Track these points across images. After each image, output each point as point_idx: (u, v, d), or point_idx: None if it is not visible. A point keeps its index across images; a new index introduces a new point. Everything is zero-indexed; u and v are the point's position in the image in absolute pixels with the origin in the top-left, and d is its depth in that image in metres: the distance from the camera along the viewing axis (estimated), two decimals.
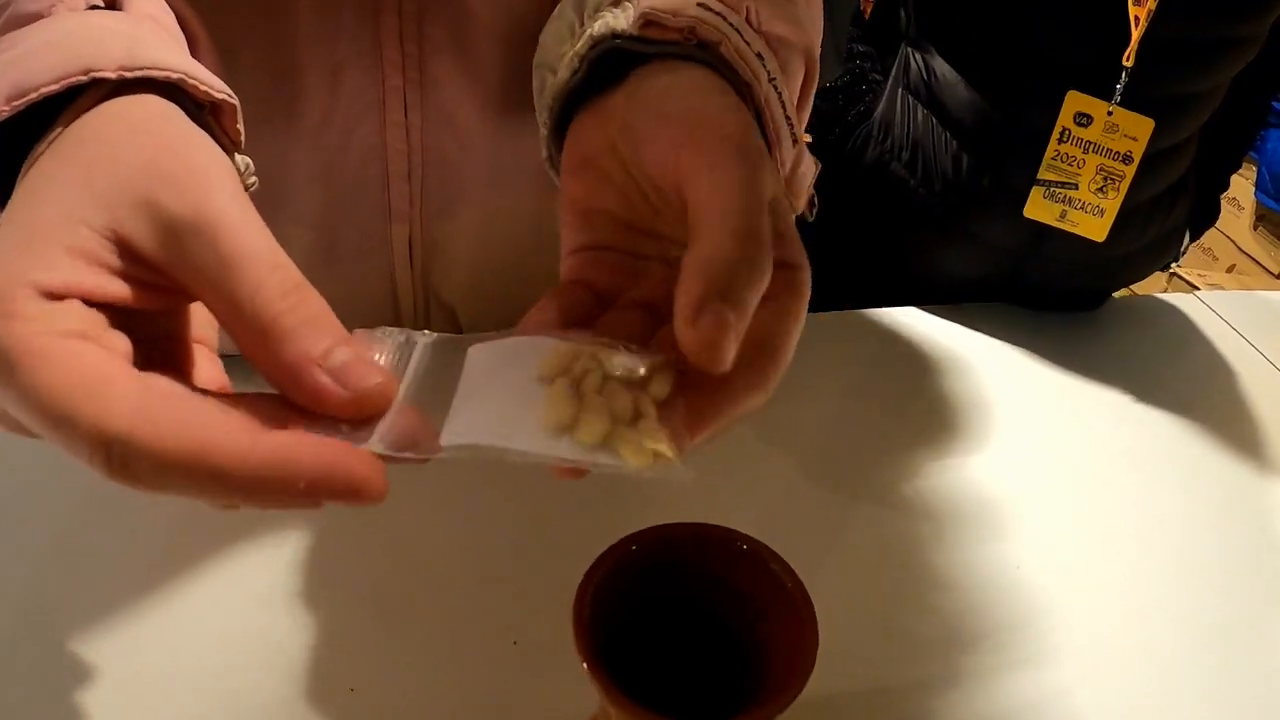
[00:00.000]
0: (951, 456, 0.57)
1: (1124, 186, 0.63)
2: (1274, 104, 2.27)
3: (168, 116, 0.24)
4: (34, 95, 0.23)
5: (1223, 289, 1.66)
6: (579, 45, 0.32)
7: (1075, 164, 0.63)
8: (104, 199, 0.21)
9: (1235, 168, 0.79)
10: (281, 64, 0.41)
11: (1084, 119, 0.62)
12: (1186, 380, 0.69)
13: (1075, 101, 0.62)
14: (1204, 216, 0.78)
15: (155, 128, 0.24)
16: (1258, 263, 2.21)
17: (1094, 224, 0.64)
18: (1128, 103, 0.62)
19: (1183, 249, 0.78)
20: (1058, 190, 0.64)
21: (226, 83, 0.27)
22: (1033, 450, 0.59)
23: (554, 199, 0.32)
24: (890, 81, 0.72)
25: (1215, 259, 2.29)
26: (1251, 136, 0.79)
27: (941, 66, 0.68)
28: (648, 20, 0.30)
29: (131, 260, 0.21)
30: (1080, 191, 0.64)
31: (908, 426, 0.59)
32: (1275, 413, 0.66)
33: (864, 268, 0.78)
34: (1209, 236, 2.36)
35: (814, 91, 0.40)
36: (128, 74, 0.24)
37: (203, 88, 0.26)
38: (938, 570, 0.48)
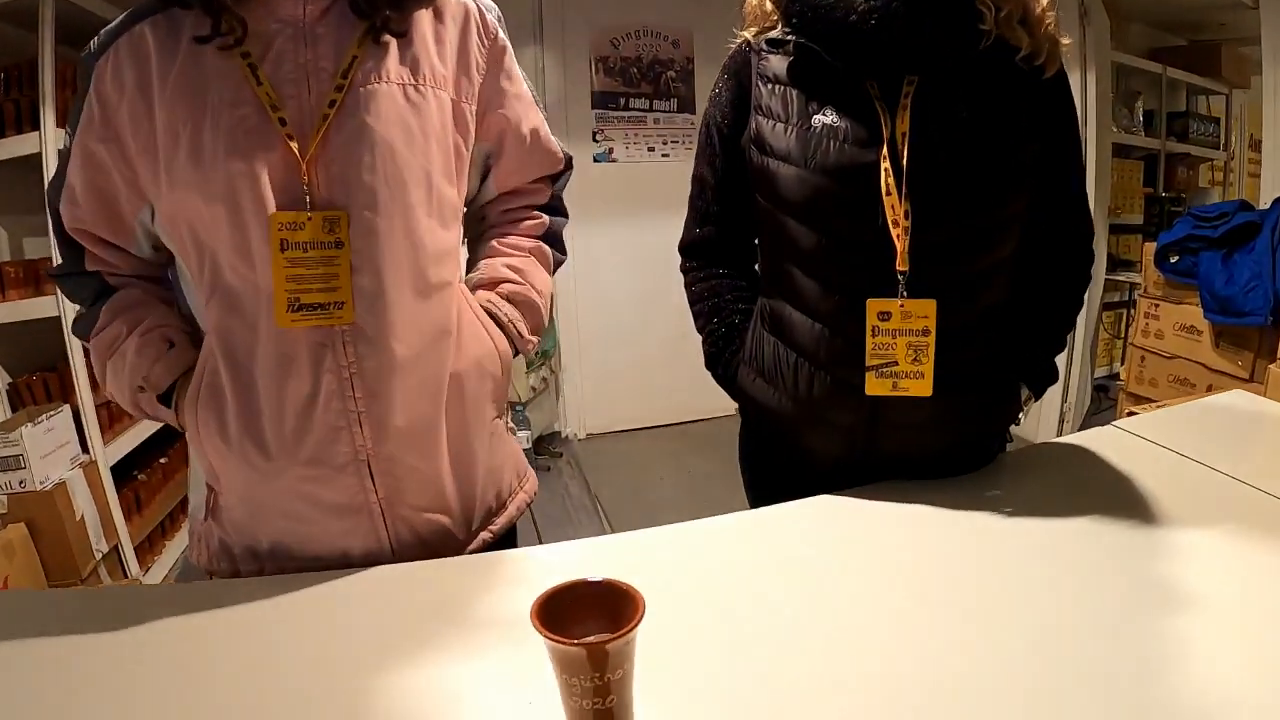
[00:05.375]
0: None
1: (931, 351, 0.85)
2: (1204, 231, 2.51)
3: None
4: None
5: None
6: None
7: (890, 348, 0.86)
8: None
9: (1061, 339, 0.99)
10: None
11: (885, 315, 0.86)
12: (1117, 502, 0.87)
13: (874, 305, 0.86)
14: (1040, 379, 0.99)
15: None
16: (1229, 375, 2.35)
17: (919, 384, 0.86)
18: (914, 293, 0.85)
19: (1024, 406, 0.97)
20: (884, 369, 0.86)
21: None
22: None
23: None
24: (752, 324, 0.98)
25: (1192, 386, 2.43)
26: (1074, 304, 1.00)
27: (782, 307, 0.93)
28: None
29: None
30: (901, 365, 0.86)
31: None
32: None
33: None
34: (1181, 367, 2.53)
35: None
36: None
37: None
38: None
